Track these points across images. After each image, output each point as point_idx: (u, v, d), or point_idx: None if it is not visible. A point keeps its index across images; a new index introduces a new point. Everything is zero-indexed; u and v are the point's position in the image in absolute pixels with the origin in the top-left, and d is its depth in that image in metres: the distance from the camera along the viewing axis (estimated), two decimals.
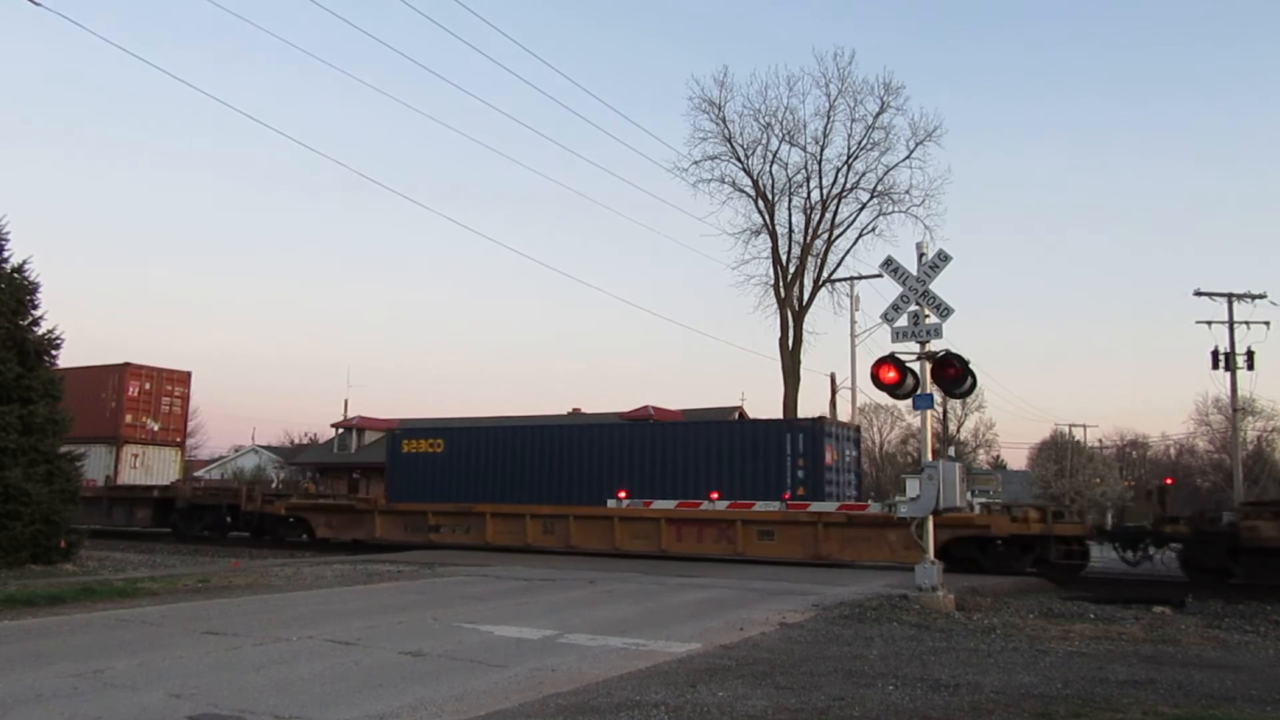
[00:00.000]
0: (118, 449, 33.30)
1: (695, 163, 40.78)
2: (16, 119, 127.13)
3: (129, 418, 33.61)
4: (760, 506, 22.33)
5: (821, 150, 40.08)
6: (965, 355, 13.96)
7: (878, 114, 39.36)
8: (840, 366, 50.77)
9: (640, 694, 7.14)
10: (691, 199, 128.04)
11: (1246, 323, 39.52)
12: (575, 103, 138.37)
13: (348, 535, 26.63)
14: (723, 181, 40.80)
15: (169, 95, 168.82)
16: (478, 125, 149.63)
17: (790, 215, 40.44)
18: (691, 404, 49.61)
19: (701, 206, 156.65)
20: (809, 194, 40.27)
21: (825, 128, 40.03)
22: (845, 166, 39.95)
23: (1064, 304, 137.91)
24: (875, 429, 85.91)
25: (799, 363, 39.27)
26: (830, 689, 7.52)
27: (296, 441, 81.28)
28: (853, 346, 40.38)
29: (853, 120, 39.78)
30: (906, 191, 39.39)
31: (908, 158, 39.29)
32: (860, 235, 40.40)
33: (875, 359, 14.54)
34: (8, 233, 18.68)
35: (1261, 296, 39.27)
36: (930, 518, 14.12)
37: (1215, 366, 39.68)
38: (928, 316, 14.19)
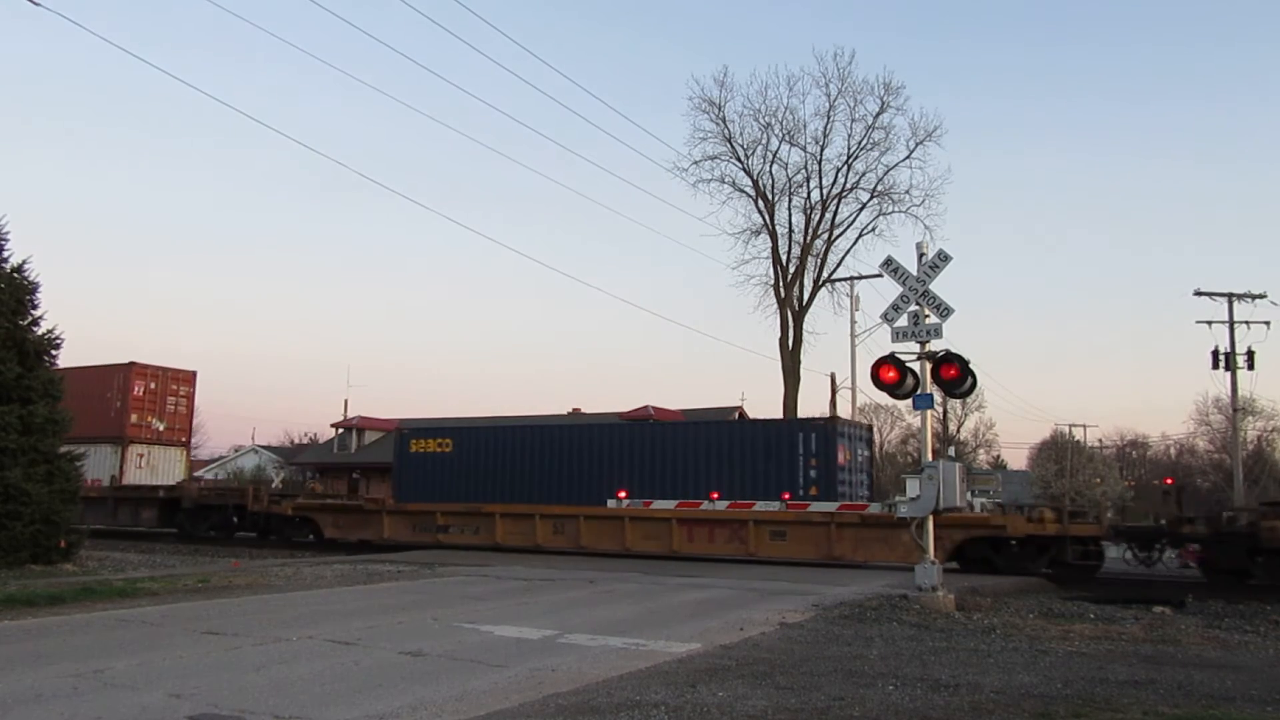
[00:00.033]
0: (123, 449, 33.24)
1: (695, 163, 40.85)
2: (16, 119, 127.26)
3: (134, 417, 33.55)
4: (760, 506, 22.32)
5: (821, 150, 40.14)
6: (965, 355, 13.97)
7: (878, 114, 39.42)
8: (840, 366, 50.84)
9: (640, 694, 7.14)
10: (691, 199, 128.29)
11: (1246, 323, 39.56)
12: (575, 103, 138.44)
13: (355, 535, 26.52)
14: (723, 181, 40.86)
15: (169, 95, 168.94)
16: (478, 125, 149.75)
17: (790, 215, 40.50)
18: (691, 404, 49.64)
19: (701, 206, 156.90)
20: (809, 194, 40.32)
21: (825, 128, 40.08)
22: (845, 166, 40.01)
23: (1064, 304, 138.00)
24: (875, 429, 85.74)
25: (799, 363, 39.29)
26: (830, 689, 7.52)
27: (296, 441, 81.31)
28: (853, 346, 40.41)
29: (853, 120, 39.85)
30: (906, 191, 39.45)
31: (908, 158, 39.35)
32: (860, 235, 40.46)
33: (875, 359, 14.56)
34: (8, 233, 18.72)
35: (1261, 296, 39.29)
36: (930, 518, 14.11)
37: (1215, 366, 39.69)
38: (928, 316, 14.19)
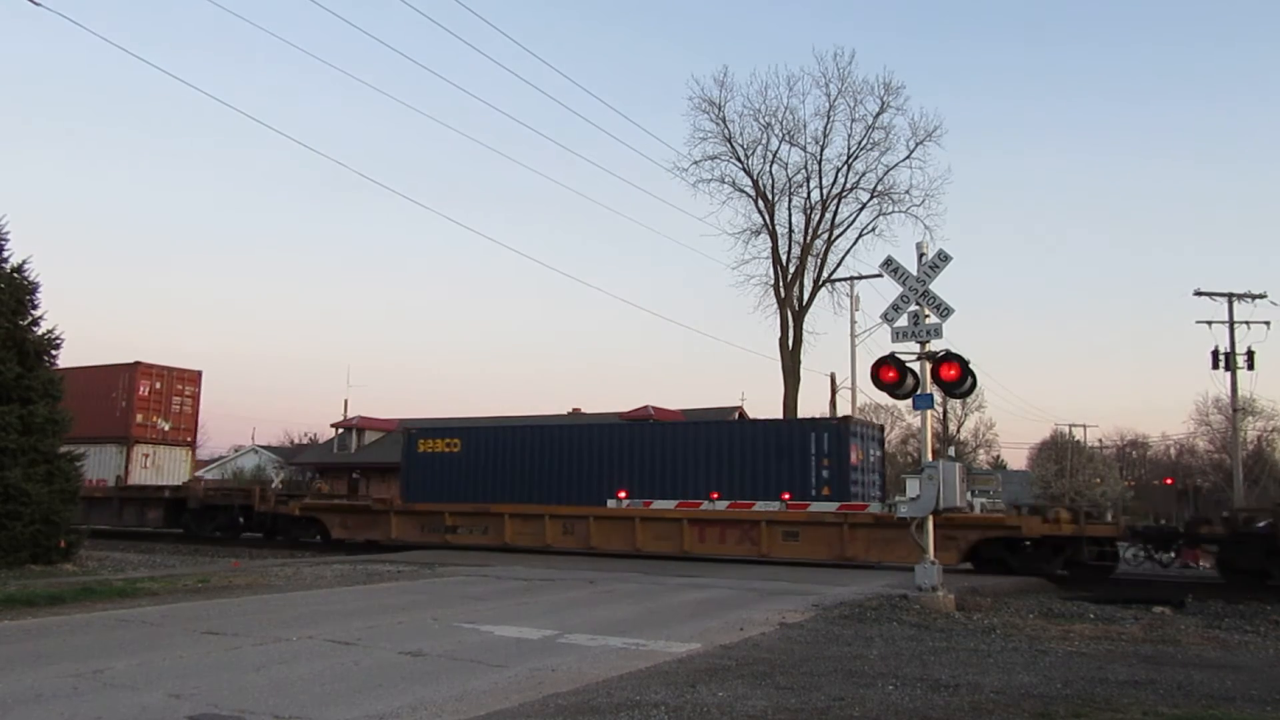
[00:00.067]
0: (128, 449, 33.12)
1: (695, 163, 40.81)
2: (16, 119, 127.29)
3: (140, 417, 33.42)
4: (760, 506, 22.28)
5: (821, 150, 40.10)
6: (965, 355, 13.98)
7: (878, 114, 39.38)
8: (840, 366, 50.75)
9: (640, 694, 7.14)
10: (691, 199, 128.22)
11: (1246, 323, 39.51)
12: (575, 103, 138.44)
13: (363, 536, 26.42)
14: (723, 181, 40.83)
15: (169, 95, 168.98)
16: (478, 125, 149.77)
17: (790, 215, 40.47)
18: (691, 404, 49.57)
19: (701, 206, 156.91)
20: (809, 194, 40.30)
21: (825, 128, 40.05)
22: (845, 166, 39.98)
23: (1064, 304, 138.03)
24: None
25: (799, 363, 39.27)
26: (830, 689, 7.52)
27: (296, 441, 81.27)
28: (853, 346, 40.37)
29: (853, 120, 39.81)
30: (906, 191, 39.41)
31: (908, 158, 39.31)
32: (860, 235, 40.42)
33: (875, 359, 14.57)
34: (8, 233, 18.72)
35: (1261, 296, 39.26)
36: (930, 518, 14.11)
37: (1215, 366, 39.65)
38: (928, 316, 14.20)
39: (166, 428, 34.28)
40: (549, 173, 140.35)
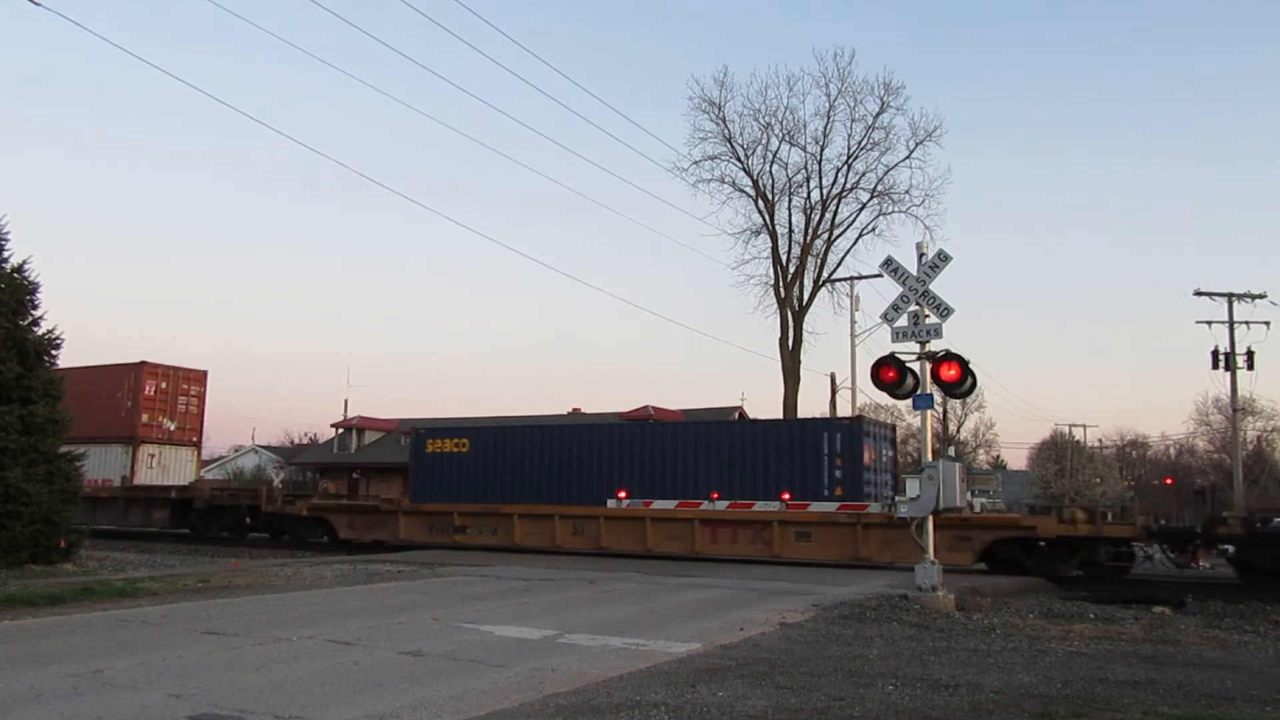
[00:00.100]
0: (134, 449, 33.02)
1: (695, 163, 40.81)
2: (16, 119, 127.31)
3: (145, 417, 33.31)
4: (760, 506, 22.22)
5: (821, 150, 40.10)
6: (965, 355, 13.97)
7: (878, 114, 39.38)
8: (840, 366, 50.74)
9: (640, 694, 7.14)
10: (691, 199, 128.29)
11: (1246, 323, 39.53)
12: (575, 103, 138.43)
13: (370, 536, 26.34)
14: (723, 181, 40.83)
15: (169, 95, 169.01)
16: (478, 125, 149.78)
17: (790, 215, 40.46)
18: (691, 404, 49.59)
19: (701, 206, 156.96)
20: (809, 194, 40.29)
21: (825, 128, 40.04)
22: (845, 166, 39.98)
23: (1064, 304, 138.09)
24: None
25: (799, 363, 39.26)
26: (830, 689, 7.52)
27: (296, 441, 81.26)
28: (853, 346, 40.33)
29: (853, 120, 39.81)
30: (906, 191, 39.41)
31: (908, 158, 39.31)
32: (860, 235, 40.41)
33: (875, 359, 14.56)
34: (8, 233, 18.72)
35: (1261, 296, 39.27)
36: (930, 518, 14.11)
37: (1215, 366, 39.66)
38: (928, 316, 14.19)
39: (172, 428, 34.22)
40: (549, 173, 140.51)
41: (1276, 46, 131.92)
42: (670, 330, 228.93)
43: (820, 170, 40.10)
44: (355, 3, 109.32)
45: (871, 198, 39.90)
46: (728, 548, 21.96)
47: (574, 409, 53.23)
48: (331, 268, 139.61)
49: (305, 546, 27.07)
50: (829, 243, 40.31)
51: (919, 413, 15.46)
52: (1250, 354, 39.26)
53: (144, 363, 33.73)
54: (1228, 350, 39.41)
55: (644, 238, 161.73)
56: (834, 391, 44.56)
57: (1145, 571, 20.02)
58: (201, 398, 35.40)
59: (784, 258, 39.98)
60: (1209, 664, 9.33)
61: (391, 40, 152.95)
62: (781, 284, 39.78)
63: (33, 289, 18.77)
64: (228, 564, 20.10)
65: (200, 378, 35.43)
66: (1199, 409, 77.22)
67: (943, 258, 14.15)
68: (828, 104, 39.91)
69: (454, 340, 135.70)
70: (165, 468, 33.83)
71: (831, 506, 21.60)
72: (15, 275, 18.60)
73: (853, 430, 22.89)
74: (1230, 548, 18.93)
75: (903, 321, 14.31)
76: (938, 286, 14.22)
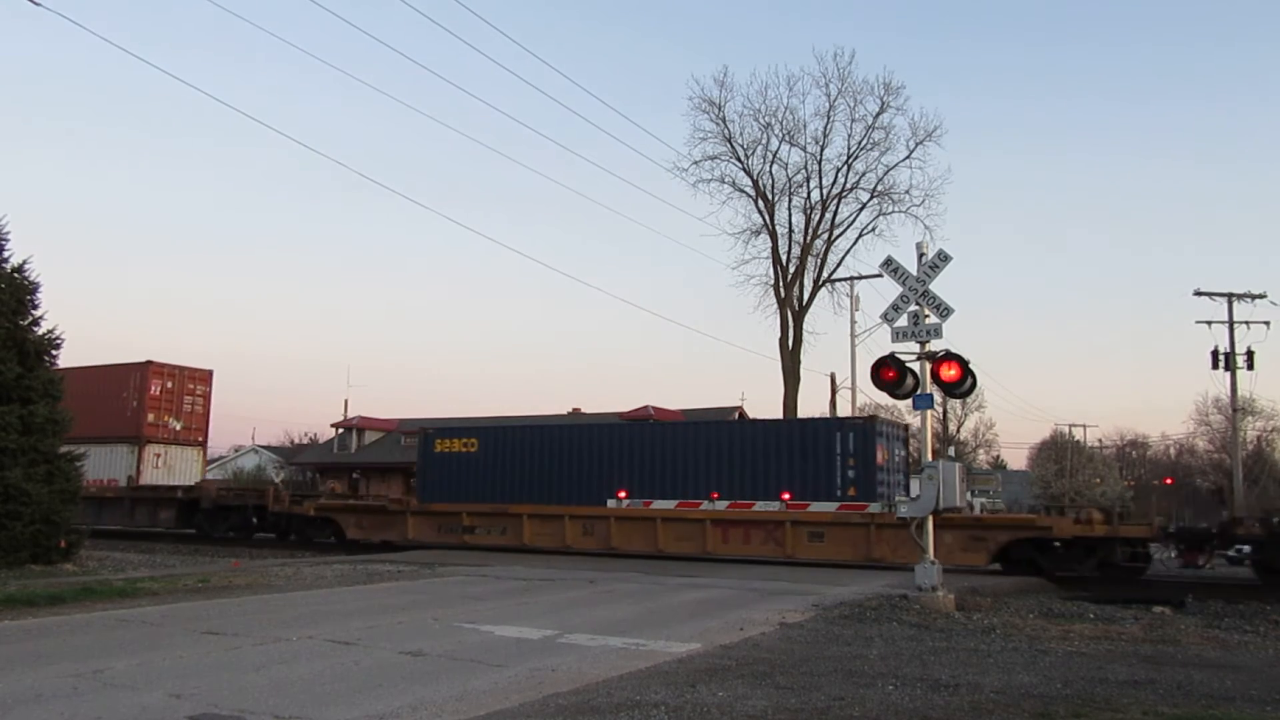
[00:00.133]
0: (140, 448, 32.86)
1: (695, 163, 40.75)
2: (16, 119, 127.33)
3: (151, 417, 33.13)
4: (760, 506, 22.21)
5: (821, 150, 40.06)
6: (965, 355, 13.98)
7: (878, 114, 39.32)
8: (840, 366, 50.73)
9: (640, 694, 7.14)
10: (691, 199, 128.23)
11: (1246, 323, 39.51)
12: (575, 103, 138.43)
13: (378, 537, 26.25)
14: (723, 181, 40.78)
15: (169, 95, 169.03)
16: (478, 125, 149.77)
17: (790, 215, 40.42)
18: (691, 404, 49.60)
19: (701, 206, 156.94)
20: (809, 194, 40.25)
21: (825, 128, 39.99)
22: (845, 166, 39.93)
23: (1064, 304, 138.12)
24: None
25: (799, 363, 39.24)
26: (830, 689, 7.52)
27: (296, 441, 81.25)
28: (853, 346, 40.32)
29: (853, 120, 39.75)
30: (906, 191, 39.35)
31: (908, 158, 39.25)
32: (860, 235, 40.36)
33: (875, 359, 14.56)
34: (8, 233, 18.73)
35: (1261, 296, 39.26)
36: (930, 518, 14.12)
37: (1215, 366, 39.65)
38: (928, 316, 14.20)
39: (178, 427, 34.14)
40: (549, 173, 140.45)
41: (1276, 46, 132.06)
42: (670, 330, 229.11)
43: (820, 170, 40.11)
44: (355, 3, 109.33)
45: (871, 198, 39.90)
46: (739, 548, 21.90)
47: (574, 409, 53.24)
48: (331, 268, 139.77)
49: (312, 547, 26.99)
50: (829, 243, 40.30)
51: (919, 413, 15.46)
52: (1250, 354, 39.26)
53: (149, 362, 33.67)
54: (1228, 350, 39.41)
55: (644, 238, 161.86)
56: (834, 391, 44.59)
57: (1159, 572, 19.96)
58: (207, 397, 35.31)
59: (784, 258, 39.98)
60: (1209, 664, 9.33)
61: (391, 40, 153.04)
62: (781, 284, 39.77)
63: (33, 289, 18.78)
64: (228, 564, 20.10)
65: (206, 377, 35.37)
66: (1199, 409, 77.32)
67: (943, 258, 14.16)
68: (828, 104, 39.89)
69: (454, 340, 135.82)
70: (171, 468, 33.76)
71: (831, 506, 21.58)
72: (15, 275, 18.60)
73: (866, 430, 22.70)
74: (1247, 548, 18.83)
75: (903, 321, 14.31)
76: (938, 286, 14.24)
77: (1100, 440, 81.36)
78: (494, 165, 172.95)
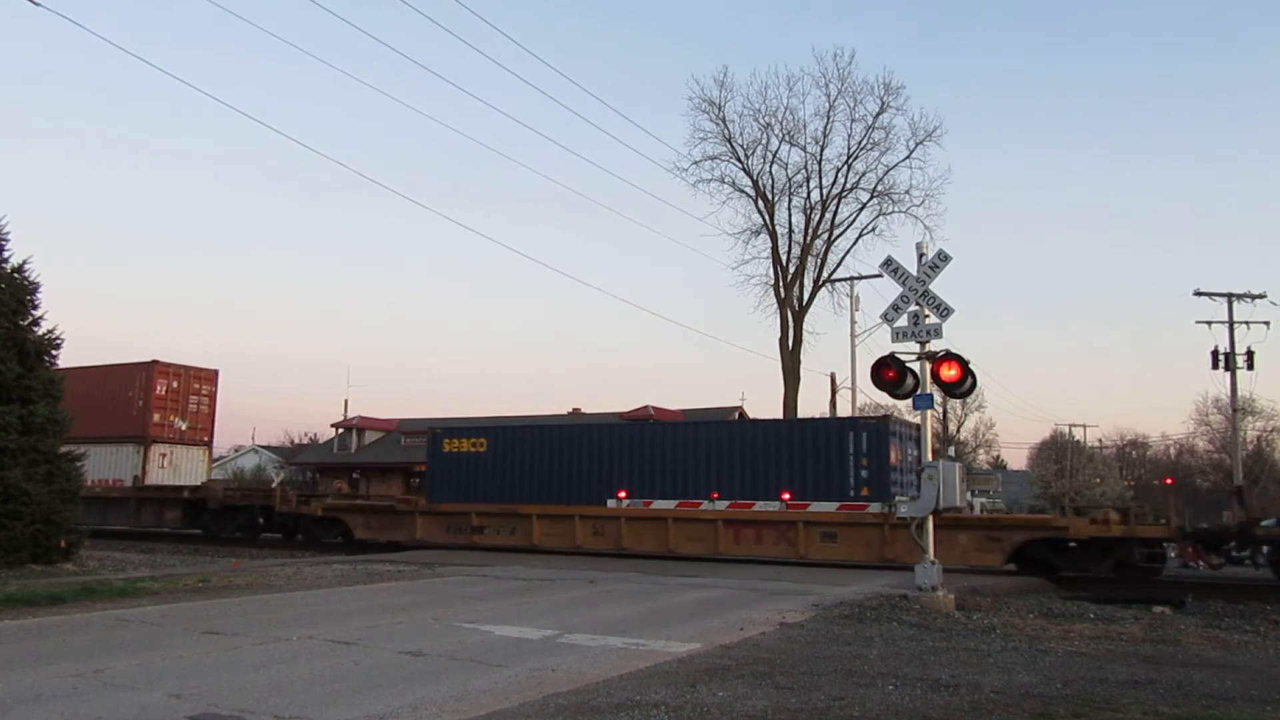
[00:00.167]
0: (145, 448, 32.83)
1: (695, 163, 40.77)
2: (16, 119, 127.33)
3: (157, 416, 33.08)
4: (760, 506, 22.20)
5: (821, 150, 40.07)
6: (965, 355, 13.98)
7: (878, 114, 39.34)
8: (840, 366, 50.78)
9: (640, 694, 7.14)
10: (691, 199, 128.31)
11: (1246, 323, 39.54)
12: (575, 103, 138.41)
13: (386, 537, 26.15)
14: (723, 181, 40.80)
15: (169, 95, 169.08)
16: (478, 125, 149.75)
17: (790, 215, 40.43)
18: (691, 404, 49.61)
19: (701, 206, 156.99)
20: (809, 194, 40.26)
21: (825, 128, 40.00)
22: (845, 166, 39.95)
23: (1064, 304, 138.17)
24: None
25: (799, 363, 39.24)
26: (830, 689, 7.52)
27: (296, 441, 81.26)
28: (853, 346, 40.32)
29: (853, 120, 39.77)
30: (906, 191, 39.37)
31: (908, 158, 39.27)
32: (860, 235, 40.37)
33: (875, 359, 14.56)
34: (8, 233, 18.71)
35: (1261, 296, 39.27)
36: (930, 518, 14.11)
37: (1215, 366, 39.66)
38: (928, 316, 14.19)
39: (184, 427, 34.07)
40: (549, 173, 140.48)
41: (1276, 46, 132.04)
42: (670, 330, 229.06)
43: (820, 170, 40.12)
44: (355, 3, 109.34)
45: (871, 198, 39.91)
46: (751, 548, 21.83)
47: (574, 409, 53.24)
48: (331, 268, 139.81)
49: (317, 547, 26.91)
50: (829, 243, 40.31)
51: (919, 413, 15.46)
52: (1250, 354, 39.27)
53: (155, 362, 33.61)
54: (1228, 350, 39.42)
55: (644, 238, 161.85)
56: (834, 391, 44.62)
57: (1175, 572, 19.92)
58: (212, 397, 35.26)
59: (784, 258, 39.98)
60: (1209, 664, 9.33)
61: (391, 40, 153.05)
62: (781, 284, 39.77)
63: (33, 289, 18.77)
64: (228, 564, 20.10)
65: (211, 377, 35.31)
66: (1199, 409, 77.35)
67: (943, 258, 14.16)
68: (828, 104, 39.91)
69: (454, 340, 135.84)
70: (177, 467, 33.72)
71: (832, 506, 21.55)
72: (15, 275, 18.59)
73: (879, 430, 22.53)
74: (1265, 549, 18.80)
75: (903, 321, 14.31)
76: (937, 286, 14.23)
77: (1100, 440, 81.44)
78: (494, 165, 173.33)
